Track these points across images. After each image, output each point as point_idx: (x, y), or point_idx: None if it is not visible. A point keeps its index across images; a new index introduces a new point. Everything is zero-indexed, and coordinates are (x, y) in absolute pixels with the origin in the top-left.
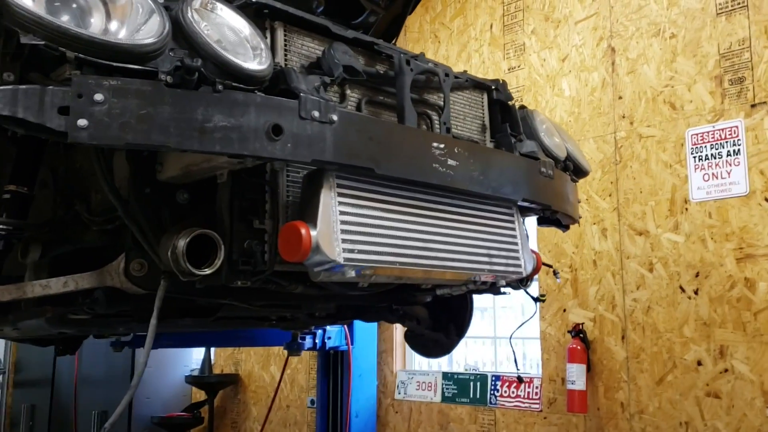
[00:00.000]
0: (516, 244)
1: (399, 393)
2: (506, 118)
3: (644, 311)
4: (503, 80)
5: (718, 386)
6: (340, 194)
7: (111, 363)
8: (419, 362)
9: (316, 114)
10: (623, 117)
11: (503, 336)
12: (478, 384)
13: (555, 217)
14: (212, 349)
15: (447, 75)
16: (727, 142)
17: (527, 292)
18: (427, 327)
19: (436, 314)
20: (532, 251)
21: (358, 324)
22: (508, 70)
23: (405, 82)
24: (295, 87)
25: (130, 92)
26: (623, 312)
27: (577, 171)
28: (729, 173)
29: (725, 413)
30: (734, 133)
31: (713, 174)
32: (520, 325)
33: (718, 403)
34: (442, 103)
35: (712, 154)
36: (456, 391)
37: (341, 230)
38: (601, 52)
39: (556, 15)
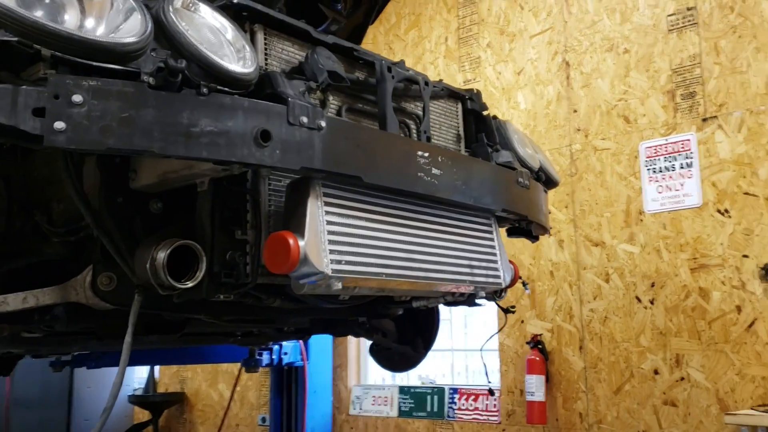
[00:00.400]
0: (495, 254)
1: (354, 408)
2: (481, 128)
3: (601, 321)
4: (477, 90)
5: (675, 394)
6: (327, 203)
7: (46, 384)
8: (375, 377)
9: (305, 120)
10: (578, 130)
11: (459, 349)
12: (436, 397)
13: (529, 227)
14: (156, 367)
15: (427, 83)
16: (680, 155)
17: (497, 304)
18: (393, 340)
19: (403, 327)
20: (510, 262)
21: (314, 339)
22: (464, 82)
23: (387, 89)
24: (282, 91)
25: (112, 94)
26: (581, 322)
27: (548, 182)
28: (682, 185)
29: (682, 421)
30: (687, 146)
31: (667, 186)
32: (491, 337)
33: (674, 411)
34: (419, 111)
35: (665, 167)
36: (413, 405)
37: (329, 241)
38: (555, 66)
39: (511, 29)
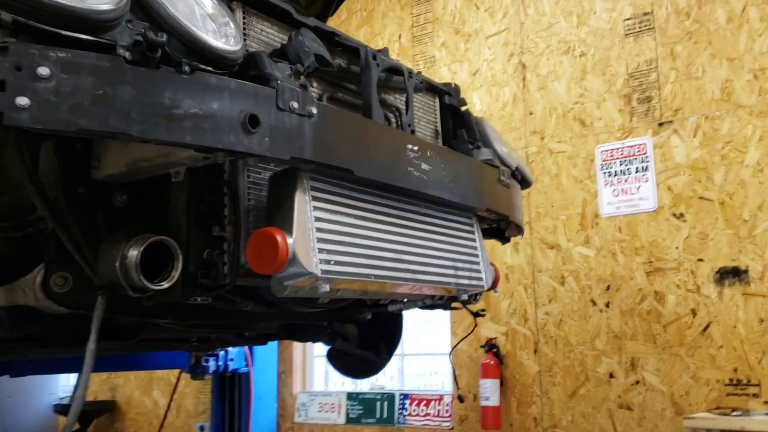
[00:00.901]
0: (477, 255)
1: (299, 416)
2: (459, 124)
3: (556, 324)
4: (456, 84)
5: (630, 398)
6: (315, 198)
7: None
8: (321, 383)
9: (295, 105)
10: (534, 132)
11: (411, 353)
12: (385, 403)
13: (505, 228)
14: None
15: (410, 74)
16: (635, 158)
17: (467, 308)
18: (355, 346)
19: (366, 332)
20: (491, 264)
21: (258, 345)
22: None
23: (372, 77)
24: (270, 73)
25: (84, 67)
26: (535, 325)
27: (524, 181)
28: (638, 189)
29: (637, 425)
30: (642, 150)
31: (623, 190)
32: (460, 341)
33: (630, 414)
34: (398, 104)
35: (621, 171)
36: (362, 412)
37: (317, 239)
38: (512, 67)
39: (467, 29)
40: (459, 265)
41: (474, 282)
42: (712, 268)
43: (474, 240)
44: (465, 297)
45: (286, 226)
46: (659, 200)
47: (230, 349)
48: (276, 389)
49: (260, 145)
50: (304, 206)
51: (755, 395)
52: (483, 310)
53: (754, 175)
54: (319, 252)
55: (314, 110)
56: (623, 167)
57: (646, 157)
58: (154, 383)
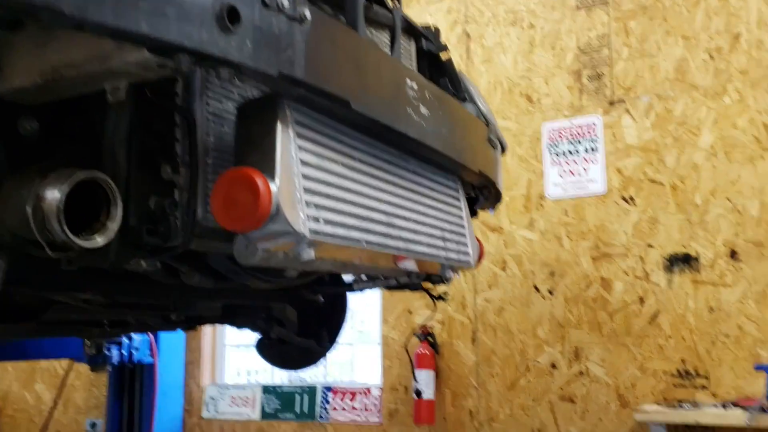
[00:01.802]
0: (463, 226)
1: (207, 411)
2: (440, 73)
3: (496, 312)
4: (436, 27)
5: (573, 390)
6: (300, 136)
7: None
8: (233, 375)
9: (285, 3)
10: None
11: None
12: (306, 397)
13: (486, 197)
14: None
15: (399, 1)
16: (584, 138)
17: (425, 289)
18: (293, 332)
19: (306, 317)
20: (476, 237)
21: (164, 332)
22: None
23: None
24: None
25: None
26: (474, 313)
27: (501, 145)
28: (586, 170)
29: (579, 418)
30: (592, 130)
31: (570, 171)
32: (421, 327)
33: (572, 407)
34: (375, 41)
35: (569, 150)
36: (279, 407)
37: (305, 189)
38: (455, 37)
39: None
40: (447, 236)
41: (462, 257)
42: (661, 255)
43: (460, 208)
44: (450, 274)
45: (267, 168)
46: (608, 182)
47: (134, 336)
48: (183, 382)
49: (240, 49)
50: (288, 145)
51: (704, 387)
52: (445, 293)
53: (708, 158)
54: (306, 206)
55: (307, 14)
56: (571, 147)
57: (596, 137)
58: (37, 374)
